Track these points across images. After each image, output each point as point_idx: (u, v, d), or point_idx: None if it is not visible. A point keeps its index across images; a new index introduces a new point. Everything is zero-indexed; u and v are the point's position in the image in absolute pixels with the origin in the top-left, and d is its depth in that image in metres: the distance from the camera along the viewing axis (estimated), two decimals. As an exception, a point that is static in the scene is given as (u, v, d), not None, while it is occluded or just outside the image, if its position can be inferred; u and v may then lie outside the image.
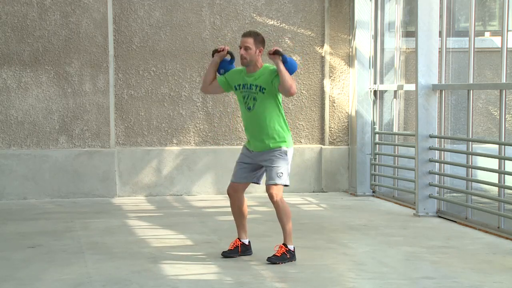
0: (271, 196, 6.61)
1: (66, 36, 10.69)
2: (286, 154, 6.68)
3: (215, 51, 6.83)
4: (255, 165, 6.76)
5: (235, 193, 6.81)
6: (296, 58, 11.19)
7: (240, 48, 6.64)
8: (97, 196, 10.73)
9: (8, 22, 10.57)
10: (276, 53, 6.56)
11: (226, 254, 6.86)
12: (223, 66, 6.84)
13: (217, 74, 6.87)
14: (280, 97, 6.71)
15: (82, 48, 10.72)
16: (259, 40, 6.68)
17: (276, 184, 6.61)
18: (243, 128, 7.02)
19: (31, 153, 10.62)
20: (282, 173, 6.63)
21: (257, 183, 6.91)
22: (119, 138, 10.90)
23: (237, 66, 6.88)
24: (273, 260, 6.59)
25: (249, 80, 6.67)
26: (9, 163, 10.57)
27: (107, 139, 10.84)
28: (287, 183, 6.67)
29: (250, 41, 6.62)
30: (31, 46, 10.61)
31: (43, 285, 5.97)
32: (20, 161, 10.59)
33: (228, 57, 6.84)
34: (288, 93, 6.53)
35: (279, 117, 6.67)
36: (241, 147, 6.95)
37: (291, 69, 6.60)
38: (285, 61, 6.56)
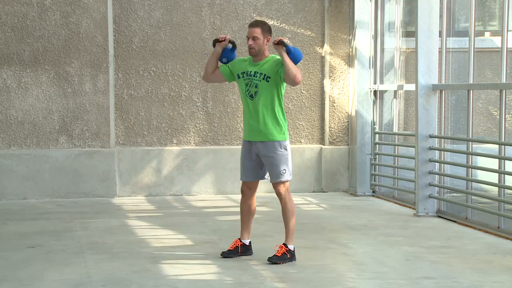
0: (279, 194, 6.69)
1: (66, 36, 10.69)
2: (286, 149, 6.72)
3: (216, 41, 6.81)
4: (259, 161, 6.77)
5: (249, 190, 6.85)
6: (296, 58, 11.20)
7: (248, 38, 6.64)
8: (97, 196, 10.73)
9: (8, 22, 10.57)
10: (280, 43, 6.56)
11: (226, 254, 6.86)
12: (225, 55, 6.82)
13: (219, 62, 6.87)
14: (283, 88, 6.71)
15: (82, 48, 10.73)
16: (266, 29, 6.68)
17: (282, 182, 6.67)
18: (242, 120, 7.02)
19: (31, 153, 10.62)
20: (285, 170, 6.67)
21: (265, 179, 6.95)
22: (119, 138, 10.90)
23: (238, 55, 6.85)
24: (273, 260, 6.59)
25: (254, 68, 6.68)
26: (9, 163, 10.57)
27: (107, 139, 10.84)
28: (290, 178, 6.73)
29: (257, 31, 6.63)
30: (31, 46, 10.62)
31: (43, 285, 5.97)
32: (20, 161, 10.59)
33: (229, 46, 6.83)
34: (293, 82, 6.55)
35: (279, 108, 6.69)
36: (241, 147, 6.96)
37: (295, 59, 6.59)
38: (289, 52, 6.55)
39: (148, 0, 10.89)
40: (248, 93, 6.69)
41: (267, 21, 10.96)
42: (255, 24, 6.69)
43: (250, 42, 6.63)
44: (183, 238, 7.96)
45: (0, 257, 6.95)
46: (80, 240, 7.73)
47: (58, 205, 10.18)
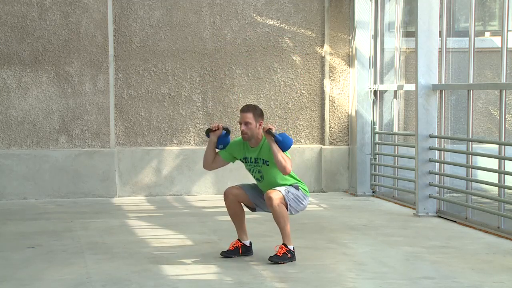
0: (269, 199, 6.53)
1: (66, 36, 10.69)
2: (298, 190, 6.69)
3: (209, 130, 6.80)
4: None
5: (234, 197, 6.79)
6: (296, 58, 11.21)
7: (240, 123, 6.67)
8: (97, 196, 10.73)
9: (8, 22, 10.57)
10: (268, 133, 6.56)
11: (225, 254, 6.86)
12: (221, 141, 6.82)
13: (216, 149, 6.87)
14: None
15: (82, 48, 10.73)
16: (258, 113, 6.69)
17: (280, 192, 6.56)
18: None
19: (31, 153, 10.62)
20: (288, 191, 6.62)
21: (254, 209, 6.92)
22: (119, 138, 10.90)
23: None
24: (274, 259, 6.58)
25: (253, 154, 6.71)
26: (9, 163, 10.57)
27: (107, 139, 10.84)
28: (290, 203, 6.60)
29: (249, 116, 6.64)
30: (31, 46, 10.62)
31: (43, 285, 5.97)
32: (20, 161, 10.59)
33: (223, 132, 6.81)
34: (282, 173, 6.58)
35: (288, 179, 6.70)
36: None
37: (285, 147, 6.58)
38: (278, 141, 6.54)
39: (148, 0, 10.89)
40: (255, 178, 6.79)
41: (267, 21, 11.01)
42: (246, 109, 6.69)
43: (243, 127, 6.64)
44: (183, 238, 7.96)
45: (0, 257, 6.95)
46: (80, 240, 7.73)
47: (58, 205, 10.18)
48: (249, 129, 6.64)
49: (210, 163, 6.90)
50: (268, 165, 6.66)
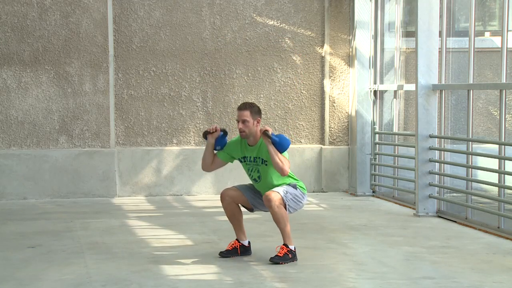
0: (268, 200, 6.53)
1: (66, 36, 10.69)
2: (296, 188, 6.69)
3: (207, 133, 6.79)
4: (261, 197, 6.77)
5: (230, 198, 6.80)
6: (296, 58, 11.21)
7: (238, 122, 6.65)
8: (97, 196, 10.73)
9: (8, 22, 10.57)
10: (265, 134, 6.56)
11: (224, 254, 6.86)
12: (219, 143, 6.81)
13: (214, 151, 6.87)
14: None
15: (82, 48, 10.73)
16: (255, 111, 6.67)
17: (278, 193, 6.56)
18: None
19: (31, 153, 10.62)
20: (286, 191, 6.62)
21: (252, 210, 6.92)
22: (119, 138, 10.90)
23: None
24: (275, 260, 6.58)
25: (252, 153, 6.71)
26: (9, 163, 10.57)
27: (107, 139, 10.84)
28: (288, 203, 6.61)
29: (247, 114, 6.63)
30: (31, 46, 10.62)
31: (43, 285, 5.97)
32: (20, 161, 10.59)
33: (220, 133, 6.80)
34: (280, 174, 6.58)
35: (287, 177, 6.69)
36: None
37: (282, 148, 6.57)
38: (274, 142, 6.53)
39: (148, 0, 10.89)
40: (252, 177, 6.78)
41: (267, 21, 11.00)
42: (243, 107, 6.68)
43: (240, 125, 6.63)
44: (183, 238, 7.96)
45: (0, 257, 6.95)
46: (80, 240, 7.73)
47: (58, 205, 10.18)
48: (247, 127, 6.63)
49: (209, 165, 6.90)
50: (266, 165, 6.65)
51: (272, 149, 6.53)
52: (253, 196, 6.83)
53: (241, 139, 6.77)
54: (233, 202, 6.80)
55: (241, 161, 6.84)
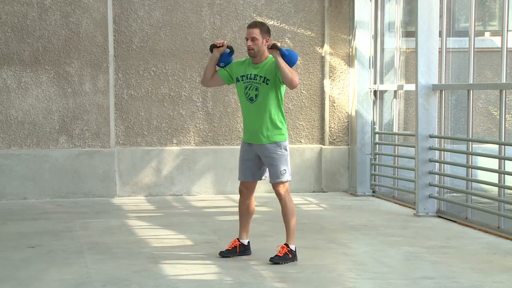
0: (278, 194, 6.69)
1: (66, 36, 10.69)
2: (286, 149, 6.74)
3: (213, 46, 6.81)
4: (259, 161, 6.79)
5: (246, 190, 6.86)
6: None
7: (247, 39, 6.64)
8: (97, 196, 10.73)
9: (8, 22, 10.57)
10: (273, 47, 6.54)
11: (224, 254, 6.86)
12: (223, 59, 6.83)
13: (216, 67, 6.88)
14: (283, 90, 6.72)
15: (82, 48, 10.73)
16: (265, 29, 6.67)
17: (282, 182, 6.68)
18: (242, 121, 7.01)
19: (31, 153, 10.62)
20: (285, 170, 6.69)
21: (262, 179, 6.96)
22: (119, 138, 10.90)
23: (239, 56, 6.85)
24: (276, 260, 6.59)
25: (254, 71, 6.68)
26: (9, 163, 10.57)
27: (107, 139, 10.84)
28: (290, 178, 6.75)
29: (256, 32, 6.62)
30: (31, 46, 10.62)
31: (43, 285, 5.97)
32: (20, 161, 10.59)
33: (227, 50, 6.83)
34: (290, 86, 6.56)
35: (279, 110, 6.70)
36: (240, 147, 6.96)
37: (291, 62, 6.57)
38: (283, 55, 6.53)
39: (148, 0, 10.89)
40: (248, 96, 6.69)
41: (267, 21, 11.00)
42: (253, 25, 6.69)
43: (249, 43, 6.63)
44: (183, 238, 7.96)
45: (0, 257, 6.95)
46: (80, 240, 7.73)
47: (58, 205, 10.18)
48: (256, 45, 6.62)
49: (208, 79, 6.90)
50: (267, 84, 6.62)
51: (281, 61, 6.50)
52: (252, 170, 6.81)
53: (245, 59, 6.77)
54: (250, 197, 6.84)
55: (238, 81, 6.75)
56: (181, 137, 11.04)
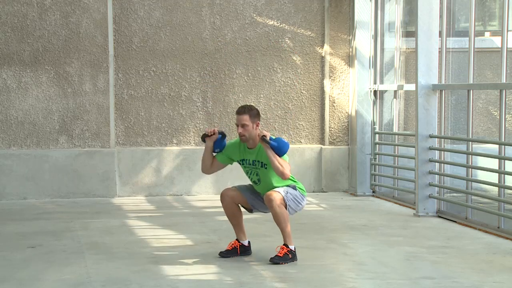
0: (269, 200, 6.52)
1: (66, 36, 10.69)
2: (295, 189, 6.67)
3: (205, 136, 6.77)
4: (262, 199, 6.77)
5: (230, 199, 6.80)
6: (296, 58, 11.20)
7: (237, 126, 6.63)
8: (97, 196, 10.73)
9: (8, 22, 10.57)
10: (263, 139, 6.53)
11: (223, 254, 6.86)
12: (217, 146, 6.79)
13: (213, 153, 6.87)
14: None
15: (82, 48, 10.73)
16: (254, 114, 6.64)
17: (279, 195, 6.55)
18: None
19: (31, 153, 10.62)
20: (287, 191, 6.61)
21: (251, 210, 6.92)
22: (119, 138, 10.90)
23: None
24: (275, 260, 6.58)
25: (251, 156, 6.70)
26: (9, 163, 10.57)
27: (107, 139, 10.84)
28: (289, 204, 6.59)
29: (246, 118, 6.60)
30: (31, 46, 10.62)
31: (43, 285, 5.97)
32: (20, 161, 10.59)
33: (219, 136, 6.79)
34: (281, 178, 6.57)
35: (286, 181, 6.67)
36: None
37: (281, 152, 6.55)
38: (273, 147, 6.51)
39: (148, 0, 10.89)
40: (252, 180, 6.78)
41: (267, 21, 11.00)
42: (242, 111, 6.64)
43: (240, 130, 6.61)
44: (183, 238, 7.96)
45: (0, 257, 6.95)
46: (80, 240, 7.73)
47: (58, 205, 10.18)
48: (247, 131, 6.62)
49: (209, 168, 6.90)
50: (266, 168, 6.65)
51: (271, 153, 6.51)
52: (253, 197, 6.83)
53: (240, 142, 6.77)
54: (232, 202, 6.80)
55: (240, 163, 6.83)
56: (181, 137, 11.04)
